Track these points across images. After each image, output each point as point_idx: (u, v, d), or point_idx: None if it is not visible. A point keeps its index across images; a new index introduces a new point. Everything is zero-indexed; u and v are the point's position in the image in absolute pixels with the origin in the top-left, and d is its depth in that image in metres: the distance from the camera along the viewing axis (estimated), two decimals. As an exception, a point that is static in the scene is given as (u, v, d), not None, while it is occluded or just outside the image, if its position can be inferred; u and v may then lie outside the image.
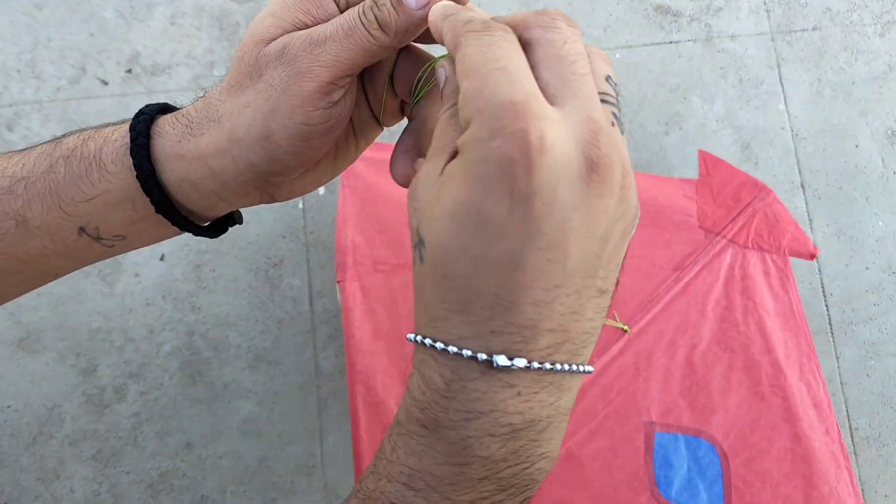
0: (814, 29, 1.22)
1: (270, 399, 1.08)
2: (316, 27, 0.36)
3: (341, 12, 0.37)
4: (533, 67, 0.30)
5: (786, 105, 1.18)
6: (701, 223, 0.88)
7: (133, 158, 0.37)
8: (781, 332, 0.84)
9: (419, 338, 0.31)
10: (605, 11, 1.21)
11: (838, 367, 1.08)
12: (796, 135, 1.16)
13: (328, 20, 0.37)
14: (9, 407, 1.05)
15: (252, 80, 0.36)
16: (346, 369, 0.78)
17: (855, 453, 1.05)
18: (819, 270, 1.11)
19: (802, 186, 1.14)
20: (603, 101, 0.31)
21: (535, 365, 0.29)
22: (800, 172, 1.15)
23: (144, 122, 0.38)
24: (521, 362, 0.29)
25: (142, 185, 0.37)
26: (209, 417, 1.07)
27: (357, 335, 0.78)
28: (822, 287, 1.11)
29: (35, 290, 1.04)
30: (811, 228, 1.13)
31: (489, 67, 0.28)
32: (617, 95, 0.32)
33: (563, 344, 0.30)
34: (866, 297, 1.11)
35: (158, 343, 1.09)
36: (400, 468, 0.32)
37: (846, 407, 1.07)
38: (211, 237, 0.43)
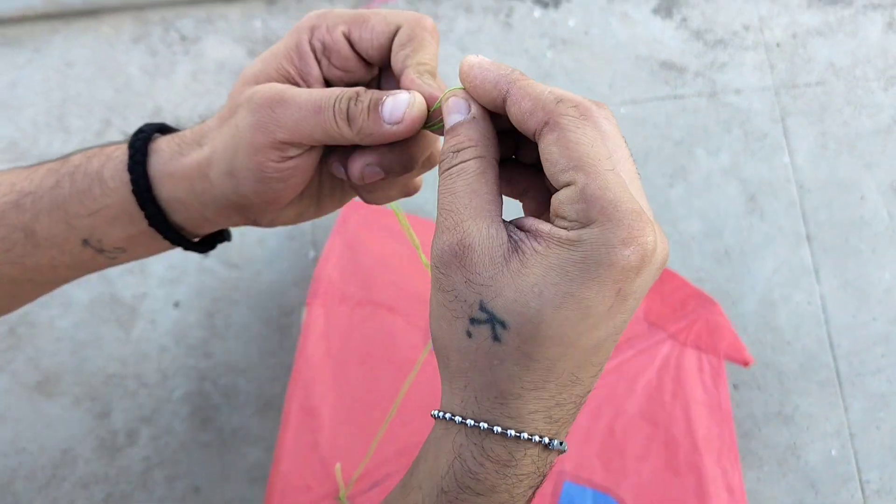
0: (817, 83, 1.24)
1: (278, 445, 1.09)
2: (295, 89, 0.37)
3: (322, 73, 0.40)
4: None
5: (790, 158, 1.19)
6: (646, 316, 0.93)
7: (130, 174, 0.39)
8: (706, 420, 0.87)
9: (495, 427, 0.32)
10: (611, 68, 1.24)
11: (847, 420, 1.07)
12: (801, 187, 1.17)
13: (309, 75, 0.39)
14: (24, 449, 1.08)
15: (229, 114, 0.39)
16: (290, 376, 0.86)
17: (865, 508, 1.04)
18: (826, 322, 1.11)
19: (808, 238, 1.15)
20: None
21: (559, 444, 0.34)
22: (805, 224, 1.16)
23: (143, 140, 0.40)
24: (563, 446, 0.34)
25: (137, 200, 0.39)
26: (218, 463, 1.08)
27: (309, 349, 0.85)
28: (830, 339, 1.11)
29: (54, 335, 1.07)
30: (817, 280, 1.13)
31: (604, 167, 0.30)
32: None
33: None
34: (874, 349, 1.10)
35: (171, 388, 1.11)
36: None
37: (856, 460, 1.06)
38: (200, 252, 0.45)
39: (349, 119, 0.36)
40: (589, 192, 0.30)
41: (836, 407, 1.08)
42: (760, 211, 1.16)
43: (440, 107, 0.37)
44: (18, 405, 1.09)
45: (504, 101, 0.33)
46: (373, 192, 0.42)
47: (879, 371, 1.09)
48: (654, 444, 0.85)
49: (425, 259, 0.41)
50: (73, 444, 1.09)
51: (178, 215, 0.41)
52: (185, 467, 1.08)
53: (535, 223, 0.32)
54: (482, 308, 0.31)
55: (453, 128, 0.34)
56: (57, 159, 0.41)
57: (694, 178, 1.18)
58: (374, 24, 0.39)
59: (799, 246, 1.15)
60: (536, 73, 1.24)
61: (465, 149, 0.33)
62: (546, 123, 0.32)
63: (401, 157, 0.39)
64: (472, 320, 0.31)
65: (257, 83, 0.38)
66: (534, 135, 0.33)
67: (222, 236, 0.47)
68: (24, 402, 1.10)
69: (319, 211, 0.45)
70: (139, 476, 1.08)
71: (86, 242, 0.41)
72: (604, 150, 0.31)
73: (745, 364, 0.93)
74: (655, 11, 1.27)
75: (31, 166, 0.42)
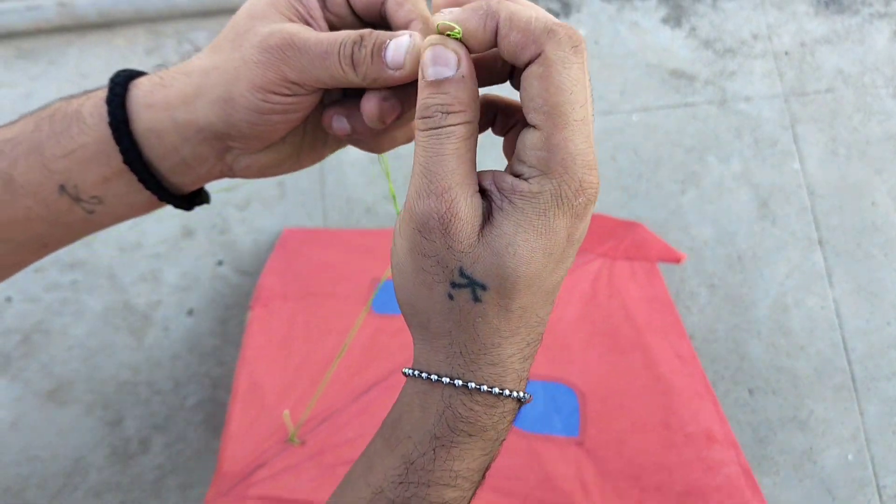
0: (827, 91, 1.24)
1: (292, 452, 1.09)
2: (305, 32, 0.37)
3: (322, 10, 0.40)
4: None
5: (801, 164, 1.20)
6: None
7: (108, 106, 0.39)
8: (645, 308, 0.92)
9: (482, 386, 0.34)
10: (622, 76, 1.25)
11: (863, 425, 1.07)
12: (812, 192, 1.18)
13: (314, 15, 0.40)
14: (37, 457, 1.07)
15: (230, 46, 0.38)
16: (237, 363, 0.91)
17: (883, 512, 1.03)
18: (840, 326, 1.11)
19: (820, 243, 1.15)
20: None
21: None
22: (817, 229, 1.16)
23: (124, 76, 0.40)
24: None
25: (113, 132, 0.39)
26: (231, 470, 1.08)
27: (251, 340, 0.92)
28: (844, 343, 1.10)
29: (67, 344, 1.08)
30: (830, 284, 1.13)
31: (574, 117, 0.31)
32: None
33: None
34: (889, 353, 1.10)
35: (183, 396, 1.11)
36: (441, 473, 0.35)
37: (872, 465, 1.05)
38: (178, 207, 0.45)
39: (354, 64, 0.36)
40: (553, 143, 0.31)
41: (852, 412, 1.08)
42: (772, 216, 1.16)
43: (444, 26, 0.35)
44: (31, 413, 1.09)
45: (496, 36, 0.33)
46: (381, 137, 0.42)
47: (895, 375, 1.09)
48: (596, 335, 0.90)
49: (398, 207, 0.41)
50: (85, 451, 1.08)
51: (154, 151, 0.40)
52: (199, 475, 1.07)
53: (497, 179, 0.33)
54: (462, 273, 0.32)
55: (441, 83, 0.34)
56: (39, 108, 0.41)
57: (706, 184, 1.18)
58: None
59: (811, 251, 1.15)
60: (547, 82, 1.25)
61: (455, 112, 0.33)
62: (536, 57, 0.31)
63: (413, 93, 0.38)
64: (453, 284, 0.33)
65: (265, 18, 0.39)
66: (523, 65, 0.33)
67: (200, 197, 0.47)
68: (36, 410, 1.09)
69: (298, 163, 0.44)
70: (152, 484, 1.07)
71: (62, 189, 0.40)
72: (581, 97, 0.31)
73: (678, 261, 0.95)
74: (665, 21, 1.28)
75: (15, 120, 0.42)
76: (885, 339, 1.11)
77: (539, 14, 0.32)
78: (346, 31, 0.37)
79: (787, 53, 1.27)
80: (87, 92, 0.41)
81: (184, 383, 1.11)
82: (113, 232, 1.15)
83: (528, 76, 0.32)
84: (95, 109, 0.39)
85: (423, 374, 0.35)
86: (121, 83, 0.39)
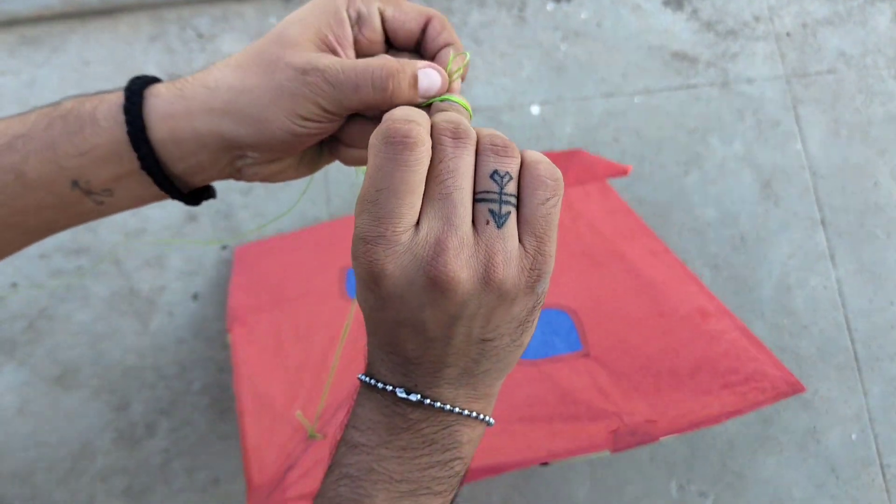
0: (828, 72, 1.25)
1: (297, 435, 1.09)
2: (336, 66, 0.40)
3: (355, 36, 0.42)
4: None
5: (803, 145, 1.20)
6: None
7: (126, 115, 0.41)
8: (609, 221, 0.94)
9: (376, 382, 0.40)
10: (624, 58, 1.25)
11: (867, 405, 1.07)
12: (815, 173, 1.18)
13: (345, 42, 0.41)
14: (44, 442, 1.08)
15: (262, 71, 0.41)
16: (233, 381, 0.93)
17: (887, 490, 1.03)
18: (843, 306, 1.11)
19: (823, 223, 1.15)
20: (480, 199, 0.36)
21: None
22: (820, 210, 1.16)
23: (140, 85, 0.42)
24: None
25: (131, 140, 0.41)
26: (237, 454, 1.08)
27: (241, 357, 0.94)
28: (847, 323, 1.11)
29: (72, 329, 1.08)
30: (833, 264, 1.13)
31: (379, 186, 0.34)
32: (501, 190, 0.36)
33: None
34: (892, 333, 1.10)
35: (189, 380, 1.11)
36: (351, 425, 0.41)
37: (876, 444, 1.05)
38: (186, 203, 0.47)
39: (387, 91, 0.40)
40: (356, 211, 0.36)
41: (856, 391, 1.08)
42: (775, 197, 1.16)
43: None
44: (38, 398, 1.10)
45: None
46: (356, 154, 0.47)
47: (898, 354, 1.09)
48: (572, 257, 0.91)
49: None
50: (92, 436, 1.09)
51: (170, 157, 0.43)
52: (205, 459, 1.08)
53: None
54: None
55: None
56: (49, 104, 0.43)
57: (708, 165, 1.18)
58: (407, 9, 0.44)
59: (814, 231, 1.15)
60: (550, 66, 1.26)
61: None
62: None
63: None
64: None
65: (296, 47, 0.41)
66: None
67: (208, 192, 0.48)
68: (43, 396, 1.10)
69: (297, 173, 0.48)
70: (158, 468, 1.08)
71: (75, 184, 0.42)
72: (388, 175, 0.35)
73: (625, 173, 0.98)
74: (666, 3, 1.28)
75: (23, 113, 0.43)
76: (889, 319, 1.11)
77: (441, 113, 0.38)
78: (373, 60, 0.40)
79: (788, 35, 1.27)
80: (99, 93, 0.43)
81: (189, 367, 1.11)
82: (117, 218, 1.15)
83: None
84: (110, 114, 0.41)
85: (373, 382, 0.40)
86: (137, 92, 0.42)
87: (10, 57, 1.23)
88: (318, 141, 0.43)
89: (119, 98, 0.41)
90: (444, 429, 0.39)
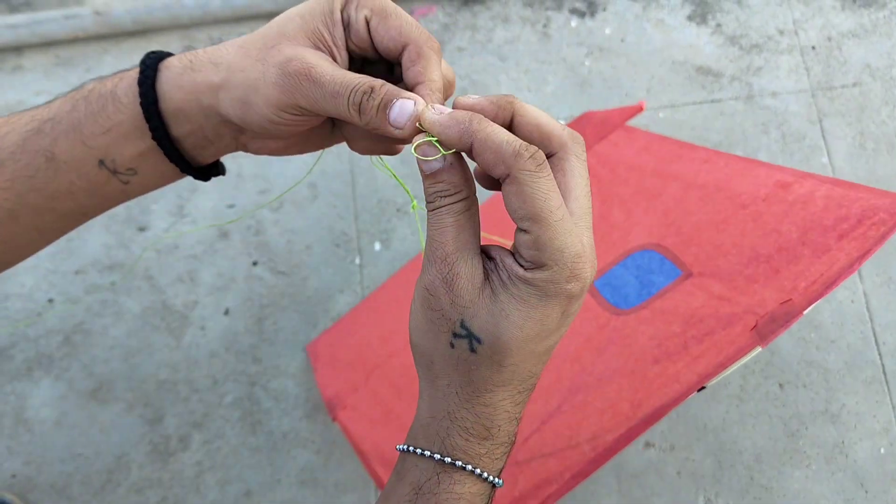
0: (854, 85, 1.25)
1: (328, 448, 1.11)
2: (323, 66, 0.41)
3: (346, 38, 0.43)
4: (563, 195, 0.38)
5: (829, 158, 1.20)
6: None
7: (140, 87, 0.42)
8: (648, 156, 0.95)
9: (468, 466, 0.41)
10: (648, 73, 1.26)
11: (895, 418, 1.07)
12: (841, 187, 1.18)
13: (338, 42, 0.43)
14: (80, 455, 1.10)
15: (257, 55, 0.42)
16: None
17: (917, 505, 1.03)
18: (871, 320, 1.11)
19: (849, 237, 1.15)
20: None
21: None
22: (846, 223, 1.16)
23: (154, 59, 0.44)
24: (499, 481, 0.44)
25: (143, 111, 0.42)
26: (268, 466, 1.10)
27: (357, 430, 0.98)
28: (875, 336, 1.11)
29: (107, 343, 1.10)
30: (860, 277, 1.13)
31: (555, 218, 0.36)
32: None
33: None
34: (920, 346, 1.10)
35: (221, 394, 1.13)
36: (445, 496, 0.41)
37: (906, 458, 1.05)
38: (198, 178, 0.49)
39: (360, 111, 0.40)
40: (541, 242, 0.36)
41: (884, 404, 1.08)
42: (801, 211, 1.17)
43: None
44: (74, 412, 1.12)
45: (471, 150, 0.39)
46: (358, 142, 0.48)
47: (926, 368, 1.09)
48: (627, 201, 0.92)
49: (416, 203, 0.47)
50: (127, 449, 1.11)
51: (180, 129, 0.44)
52: (237, 471, 1.10)
53: (501, 255, 0.39)
54: (462, 325, 0.38)
55: (435, 174, 0.39)
56: (72, 89, 0.45)
57: (733, 179, 1.19)
58: (390, 26, 0.43)
59: (841, 245, 1.15)
60: (574, 81, 1.27)
61: (450, 194, 0.39)
62: (507, 176, 0.36)
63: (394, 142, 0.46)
64: (455, 334, 0.39)
65: (293, 39, 0.42)
66: (499, 178, 0.38)
67: (217, 168, 0.51)
68: (79, 409, 1.12)
69: (302, 149, 0.49)
70: (192, 480, 1.10)
71: (101, 163, 0.44)
72: (555, 201, 0.36)
73: (640, 110, 0.97)
74: (690, 18, 1.29)
75: (50, 101, 0.44)
76: (917, 332, 1.11)
77: (509, 138, 0.37)
78: (359, 76, 0.41)
79: (813, 48, 1.27)
80: (119, 72, 0.45)
81: (221, 381, 1.13)
82: (150, 235, 1.18)
83: (506, 192, 0.37)
84: (129, 89, 0.43)
85: (413, 449, 0.42)
86: (151, 66, 0.43)
87: (45, 78, 1.26)
88: (301, 131, 0.44)
89: (136, 73, 0.43)
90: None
